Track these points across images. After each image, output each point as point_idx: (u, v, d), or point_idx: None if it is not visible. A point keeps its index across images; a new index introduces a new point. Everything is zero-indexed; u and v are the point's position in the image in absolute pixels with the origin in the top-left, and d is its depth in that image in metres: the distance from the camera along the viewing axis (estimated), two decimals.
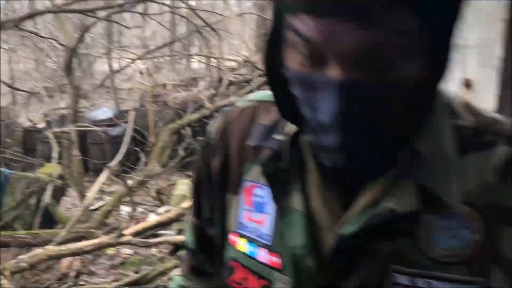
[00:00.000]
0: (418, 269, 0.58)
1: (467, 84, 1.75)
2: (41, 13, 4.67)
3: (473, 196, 0.59)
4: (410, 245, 0.58)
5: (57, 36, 5.72)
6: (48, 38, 5.90)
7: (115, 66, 8.85)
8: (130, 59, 8.00)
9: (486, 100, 1.73)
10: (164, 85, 7.32)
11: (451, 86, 1.63)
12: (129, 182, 4.46)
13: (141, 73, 8.22)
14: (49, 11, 4.50)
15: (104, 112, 6.97)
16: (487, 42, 1.71)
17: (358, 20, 0.46)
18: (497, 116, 0.64)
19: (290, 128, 0.64)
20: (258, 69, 6.55)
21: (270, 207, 0.66)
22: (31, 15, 4.55)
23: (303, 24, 0.49)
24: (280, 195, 0.64)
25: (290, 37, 0.53)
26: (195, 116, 5.43)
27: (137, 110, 6.15)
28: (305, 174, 0.64)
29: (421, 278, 0.58)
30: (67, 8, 4.36)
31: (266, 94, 0.73)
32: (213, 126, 0.77)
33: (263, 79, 5.59)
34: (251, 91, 5.54)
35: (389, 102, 0.51)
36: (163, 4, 6.44)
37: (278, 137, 0.65)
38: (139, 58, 7.54)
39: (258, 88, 5.55)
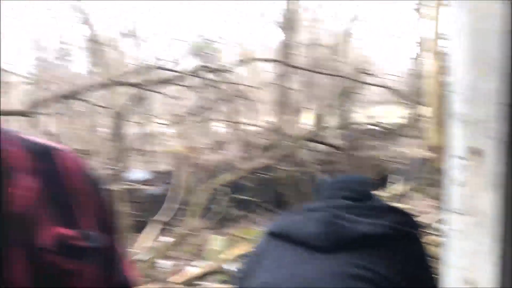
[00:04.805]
0: None
1: None
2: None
3: None
4: None
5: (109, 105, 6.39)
6: (101, 106, 6.56)
7: (147, 130, 9.46)
8: (162, 123, 8.63)
9: None
10: (194, 148, 7.85)
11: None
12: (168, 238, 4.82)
13: (171, 137, 8.78)
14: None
15: (136, 173, 7.44)
16: None
17: None
18: None
19: None
20: (282, 134, 7.08)
21: None
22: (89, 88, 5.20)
23: None
24: None
25: None
26: (229, 177, 5.90)
27: (171, 171, 6.65)
28: None
29: None
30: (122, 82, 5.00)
31: None
32: None
33: (291, 144, 6.07)
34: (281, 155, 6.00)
35: None
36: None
37: None
38: (173, 123, 8.14)
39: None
